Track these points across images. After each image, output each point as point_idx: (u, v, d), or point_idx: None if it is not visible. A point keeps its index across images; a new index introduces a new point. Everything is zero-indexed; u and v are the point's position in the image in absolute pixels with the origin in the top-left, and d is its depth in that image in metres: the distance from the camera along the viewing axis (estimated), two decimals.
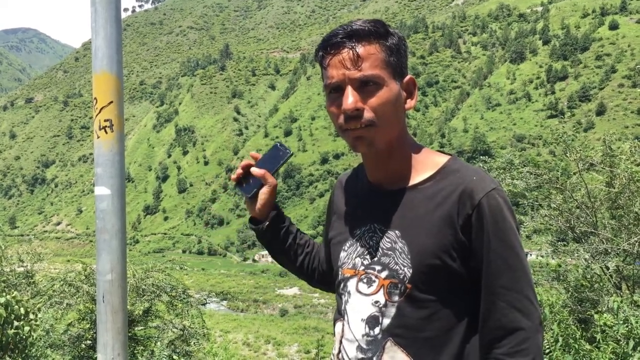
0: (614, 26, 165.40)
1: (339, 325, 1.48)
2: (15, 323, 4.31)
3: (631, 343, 3.30)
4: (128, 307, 7.94)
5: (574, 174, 6.29)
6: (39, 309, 5.32)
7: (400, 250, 1.37)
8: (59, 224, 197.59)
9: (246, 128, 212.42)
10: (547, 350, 3.50)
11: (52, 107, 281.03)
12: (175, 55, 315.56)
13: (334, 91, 1.36)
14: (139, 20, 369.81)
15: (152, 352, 8.42)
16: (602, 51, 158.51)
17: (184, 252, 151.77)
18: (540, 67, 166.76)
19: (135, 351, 8.34)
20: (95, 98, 1.36)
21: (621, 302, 3.67)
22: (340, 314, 1.48)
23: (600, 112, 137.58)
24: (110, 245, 1.35)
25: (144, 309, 8.38)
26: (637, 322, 3.35)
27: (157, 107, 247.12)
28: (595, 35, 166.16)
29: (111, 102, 1.35)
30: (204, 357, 10.01)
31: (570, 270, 5.77)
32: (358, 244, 1.46)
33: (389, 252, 1.38)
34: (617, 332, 3.36)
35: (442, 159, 1.44)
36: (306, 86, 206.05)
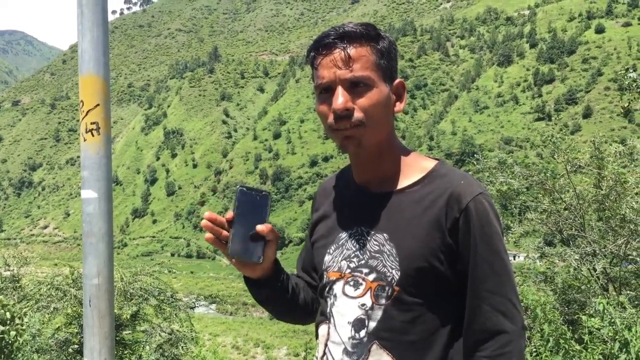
0: (600, 30, 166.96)
1: (323, 327, 1.47)
2: (1, 328, 4.27)
3: (617, 344, 3.32)
4: (115, 311, 7.89)
5: (562, 176, 6.32)
6: (25, 314, 5.27)
7: (388, 252, 1.37)
8: (46, 227, 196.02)
9: (235, 131, 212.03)
10: (536, 351, 3.52)
11: (39, 110, 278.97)
12: (163, 58, 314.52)
13: (325, 91, 1.37)
14: (127, 22, 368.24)
15: (140, 356, 8.37)
16: (588, 54, 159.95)
17: (172, 255, 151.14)
18: (528, 70, 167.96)
19: (123, 355, 8.27)
20: (81, 101, 1.35)
21: (607, 303, 3.70)
22: (325, 317, 1.47)
23: (587, 114, 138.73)
24: (97, 249, 1.34)
25: (132, 312, 8.32)
26: (622, 324, 3.37)
27: (145, 109, 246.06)
28: (581, 38, 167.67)
29: (98, 104, 1.34)
30: None
31: (558, 273, 5.81)
32: (344, 247, 1.45)
33: (377, 255, 1.38)
34: (604, 334, 3.38)
35: (430, 164, 1.44)
36: (295, 89, 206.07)
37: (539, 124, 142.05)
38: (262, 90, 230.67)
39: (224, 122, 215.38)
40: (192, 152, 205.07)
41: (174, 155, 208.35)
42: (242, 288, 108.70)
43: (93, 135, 1.34)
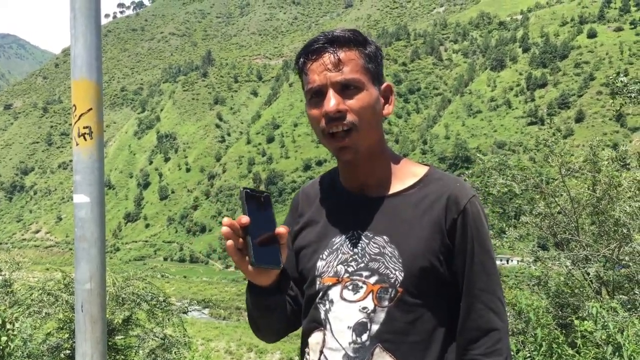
0: (592, 34, 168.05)
1: (316, 335, 1.44)
2: None
3: (609, 348, 3.32)
4: (108, 316, 7.84)
5: (555, 180, 6.34)
6: (16, 319, 5.22)
7: (390, 254, 1.38)
8: (38, 231, 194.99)
9: (228, 135, 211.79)
10: (530, 356, 3.51)
11: (32, 114, 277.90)
12: (156, 62, 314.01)
13: (315, 95, 1.39)
14: (120, 26, 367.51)
15: None
16: (580, 59, 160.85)
17: (165, 259, 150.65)
18: (520, 74, 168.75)
19: None
20: (74, 105, 1.35)
21: (600, 307, 3.70)
22: (318, 324, 1.45)
23: (579, 119, 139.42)
24: (89, 254, 1.33)
25: (124, 317, 8.28)
26: (614, 328, 3.37)
27: (138, 113, 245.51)
28: (574, 43, 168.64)
29: (90, 109, 1.34)
30: None
31: (552, 277, 5.81)
32: (339, 251, 1.44)
33: (378, 257, 1.39)
34: (597, 338, 3.38)
35: (422, 169, 1.48)
36: (288, 93, 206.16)
37: (532, 128, 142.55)
38: (255, 94, 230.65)
39: (218, 126, 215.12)
40: (185, 156, 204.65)
41: (167, 159, 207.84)
42: (234, 292, 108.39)
43: (85, 140, 1.34)
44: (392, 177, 1.47)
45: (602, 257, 5.60)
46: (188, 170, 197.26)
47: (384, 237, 1.40)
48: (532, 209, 6.49)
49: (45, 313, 8.00)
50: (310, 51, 1.39)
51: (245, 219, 1.32)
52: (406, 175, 1.47)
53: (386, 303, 1.36)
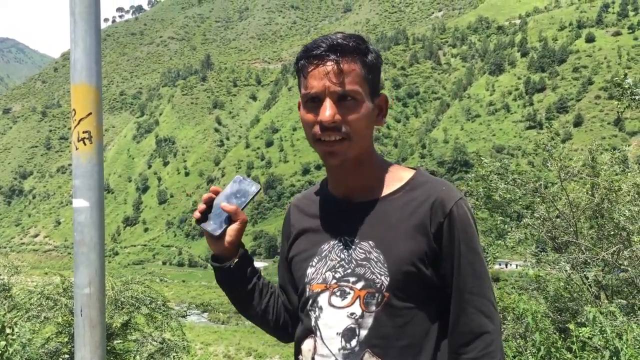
0: (590, 39, 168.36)
1: (308, 342, 1.45)
2: None
3: (607, 353, 3.33)
4: (106, 320, 7.83)
5: (554, 184, 6.35)
6: (15, 323, 5.22)
7: (375, 259, 1.38)
8: (36, 236, 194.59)
9: (227, 139, 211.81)
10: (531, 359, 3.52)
11: (30, 118, 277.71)
12: (155, 66, 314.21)
13: (312, 100, 1.38)
14: (119, 30, 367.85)
15: None
16: (579, 63, 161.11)
17: (164, 263, 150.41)
18: (519, 78, 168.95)
19: None
20: (73, 109, 1.35)
21: (598, 312, 3.70)
22: (309, 331, 1.45)
23: (578, 123, 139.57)
24: (88, 258, 1.33)
25: (123, 322, 8.26)
26: (612, 333, 3.38)
27: (137, 117, 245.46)
28: (572, 47, 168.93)
29: (90, 113, 1.34)
30: None
31: (550, 281, 5.81)
32: (328, 258, 1.45)
33: (364, 263, 1.39)
34: (595, 343, 3.39)
35: (409, 173, 1.48)
36: (287, 97, 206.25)
37: (530, 132, 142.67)
38: (254, 98, 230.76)
39: (216, 130, 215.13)
40: (184, 160, 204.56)
41: (165, 163, 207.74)
42: None
43: (85, 144, 1.33)
44: (380, 182, 1.47)
45: (601, 261, 5.60)
46: (187, 174, 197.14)
47: (370, 242, 1.40)
48: (532, 213, 6.51)
49: (44, 317, 7.99)
50: (312, 56, 1.38)
51: (214, 189, 1.50)
52: (393, 179, 1.47)
53: (373, 308, 1.36)
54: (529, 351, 3.78)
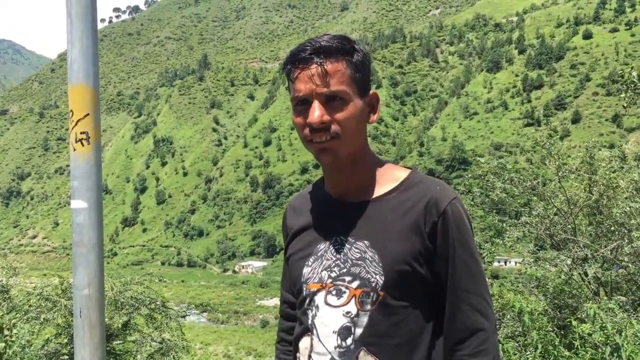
0: (587, 35, 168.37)
1: (305, 340, 1.48)
2: None
3: (608, 349, 3.33)
4: (106, 321, 7.81)
5: (552, 181, 6.35)
6: (14, 325, 5.21)
7: (370, 259, 1.40)
8: (35, 237, 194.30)
9: (225, 138, 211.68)
10: (530, 358, 3.52)
11: (28, 119, 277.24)
12: (153, 66, 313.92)
13: (301, 103, 1.40)
14: (116, 30, 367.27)
15: None
16: (576, 60, 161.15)
17: (163, 264, 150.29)
18: (517, 76, 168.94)
19: None
20: (71, 110, 1.35)
21: (598, 308, 3.71)
22: (306, 329, 1.48)
23: (576, 120, 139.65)
24: (87, 260, 1.33)
25: (123, 322, 8.26)
26: (612, 329, 3.38)
27: (135, 118, 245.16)
28: (569, 44, 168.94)
29: (87, 114, 1.34)
30: None
31: (550, 277, 5.82)
32: (323, 257, 1.47)
33: (359, 262, 1.41)
34: (595, 339, 3.39)
35: (404, 172, 1.50)
36: (285, 96, 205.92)
37: (529, 129, 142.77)
38: (252, 97, 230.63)
39: (214, 130, 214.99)
40: (182, 160, 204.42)
41: (164, 164, 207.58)
42: (232, 296, 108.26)
43: (83, 145, 1.33)
44: (374, 181, 1.49)
45: (600, 257, 5.61)
46: (185, 174, 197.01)
47: (365, 241, 1.42)
48: (530, 211, 6.51)
49: (44, 319, 7.99)
50: (298, 60, 1.40)
51: None
52: (388, 179, 1.49)
53: (368, 307, 1.38)
54: (528, 351, 3.78)
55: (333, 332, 1.41)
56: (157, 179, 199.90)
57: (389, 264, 1.38)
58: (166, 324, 9.07)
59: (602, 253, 5.47)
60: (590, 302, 5.01)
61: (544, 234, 6.37)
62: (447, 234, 1.39)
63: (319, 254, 1.48)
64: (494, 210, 7.45)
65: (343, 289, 1.41)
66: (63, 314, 7.95)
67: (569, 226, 6.13)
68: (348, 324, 1.39)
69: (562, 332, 5.06)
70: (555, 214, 6.35)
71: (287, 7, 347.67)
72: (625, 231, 5.51)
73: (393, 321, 1.38)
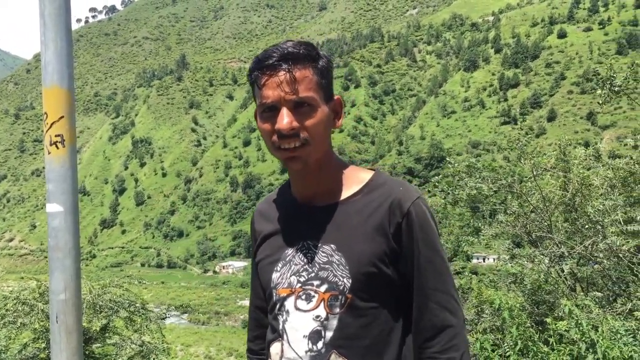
0: (562, 35, 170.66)
1: (276, 345, 1.48)
2: None
3: (584, 345, 3.39)
4: (84, 324, 7.75)
5: (529, 179, 6.43)
6: None
7: (337, 262, 1.41)
8: (11, 240, 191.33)
9: (204, 139, 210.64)
10: (507, 354, 3.57)
11: (3, 121, 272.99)
12: (130, 66, 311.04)
13: (268, 110, 1.39)
14: (93, 31, 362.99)
15: None
16: (551, 59, 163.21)
17: (142, 265, 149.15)
18: (493, 74, 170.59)
19: None
20: (45, 113, 1.33)
21: (574, 305, 3.77)
22: (277, 334, 1.48)
23: (551, 118, 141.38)
24: (63, 264, 1.31)
25: (101, 325, 8.18)
26: (588, 325, 3.44)
27: (112, 118, 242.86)
28: (544, 43, 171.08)
29: (62, 117, 1.32)
30: None
31: (528, 274, 5.89)
32: (292, 262, 1.47)
33: (326, 266, 1.42)
34: (572, 335, 3.45)
35: (368, 174, 1.51)
36: None
37: (505, 127, 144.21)
38: (231, 97, 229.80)
39: (193, 130, 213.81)
40: (161, 161, 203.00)
41: (142, 165, 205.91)
42: (213, 297, 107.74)
43: (58, 148, 1.31)
44: (340, 184, 1.49)
45: (577, 254, 5.70)
46: (164, 175, 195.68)
47: (332, 245, 1.43)
48: (505, 209, 6.59)
49: (21, 323, 7.87)
50: (265, 66, 1.39)
51: None
52: (353, 182, 1.49)
53: (337, 310, 1.39)
54: (506, 344, 3.83)
55: (304, 336, 1.41)
56: (136, 180, 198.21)
57: (356, 267, 1.39)
58: (146, 326, 8.99)
59: (578, 250, 5.55)
60: (567, 298, 5.08)
61: (520, 231, 6.45)
62: (412, 234, 1.40)
63: (287, 259, 1.48)
64: (471, 209, 7.53)
65: (312, 293, 1.42)
66: (40, 318, 7.85)
67: (545, 223, 6.22)
68: (318, 328, 1.40)
69: (540, 328, 5.13)
70: (532, 212, 6.43)
71: (266, 7, 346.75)
72: (600, 228, 5.60)
73: (362, 323, 1.39)
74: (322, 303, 1.40)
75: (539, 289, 5.61)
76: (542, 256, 5.70)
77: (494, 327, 5.28)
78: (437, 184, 7.17)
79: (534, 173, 6.18)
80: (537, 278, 5.56)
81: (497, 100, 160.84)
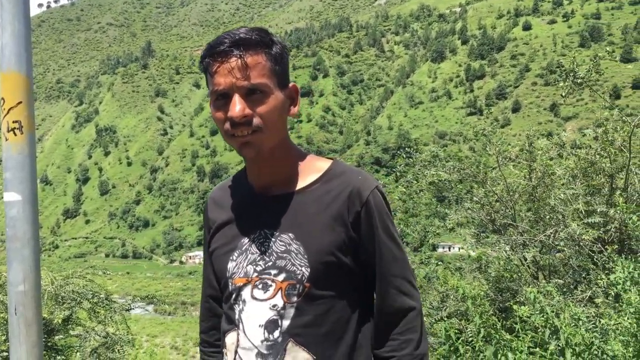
0: (527, 27, 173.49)
1: (232, 335, 1.47)
2: None
3: (547, 331, 3.44)
4: (46, 315, 7.59)
5: (494, 168, 6.51)
6: None
7: (295, 251, 1.39)
8: None
9: (171, 127, 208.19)
10: (469, 341, 3.61)
11: None
12: (94, 53, 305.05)
13: (221, 97, 1.37)
14: (55, 16, 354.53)
15: None
16: (516, 51, 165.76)
17: (107, 256, 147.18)
18: (460, 66, 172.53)
19: None
20: (2, 98, 1.30)
21: (537, 292, 3.83)
22: (234, 324, 1.47)
23: (516, 109, 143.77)
24: (22, 254, 1.28)
25: (64, 317, 8.03)
26: (552, 312, 3.50)
27: (75, 106, 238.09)
28: (510, 35, 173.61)
29: (20, 102, 1.29)
30: None
31: (491, 262, 5.98)
32: (248, 251, 1.45)
33: (284, 255, 1.40)
34: (535, 322, 3.50)
35: (326, 163, 1.49)
36: None
37: (471, 118, 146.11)
38: (198, 86, 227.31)
39: (159, 119, 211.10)
40: (127, 150, 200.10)
41: (107, 153, 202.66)
42: (180, 287, 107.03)
43: (15, 135, 1.29)
44: (297, 173, 1.48)
45: (539, 242, 5.79)
46: (129, 164, 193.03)
47: (290, 234, 1.41)
48: (471, 197, 6.66)
49: None
50: (216, 53, 1.36)
51: None
52: (311, 170, 1.48)
53: (295, 299, 1.38)
54: (469, 330, 3.88)
55: (259, 325, 1.40)
56: (100, 169, 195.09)
57: (314, 256, 1.38)
58: (110, 317, 8.86)
59: (540, 238, 5.65)
60: (530, 285, 5.17)
61: (485, 219, 6.53)
62: (371, 223, 1.40)
63: (244, 248, 1.46)
64: (437, 199, 7.61)
65: (269, 282, 1.40)
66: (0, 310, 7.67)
67: (509, 212, 6.31)
68: (274, 317, 1.39)
69: (503, 316, 5.21)
70: (497, 201, 6.52)
71: None
72: (562, 217, 5.71)
73: (320, 311, 1.39)
74: (280, 292, 1.39)
75: (502, 276, 5.70)
76: (503, 244, 5.78)
77: (458, 312, 5.35)
78: (401, 173, 7.20)
79: (499, 162, 6.26)
80: (500, 265, 5.66)
81: (463, 92, 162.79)
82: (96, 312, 8.63)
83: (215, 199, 1.62)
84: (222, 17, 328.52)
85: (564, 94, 6.00)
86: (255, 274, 1.42)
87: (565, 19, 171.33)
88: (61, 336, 8.23)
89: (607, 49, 6.71)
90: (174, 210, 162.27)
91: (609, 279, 3.85)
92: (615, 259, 4.19)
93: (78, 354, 8.08)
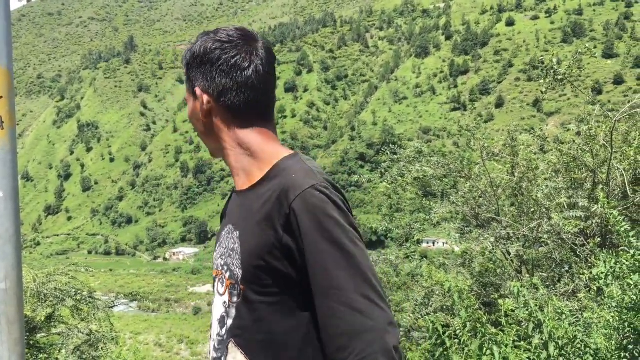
0: (510, 22, 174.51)
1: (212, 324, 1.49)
2: None
3: (531, 325, 3.47)
4: (29, 313, 7.51)
5: (477, 164, 6.54)
6: None
7: (236, 251, 1.35)
8: None
9: (154, 123, 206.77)
10: (455, 336, 3.63)
11: None
12: (75, 48, 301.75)
13: None
14: (35, 10, 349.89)
15: (56, 359, 8.02)
16: (500, 46, 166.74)
17: (89, 253, 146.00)
18: (444, 61, 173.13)
19: (38, 359, 7.90)
20: None
21: (521, 286, 3.85)
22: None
23: (499, 104, 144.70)
24: (3, 252, 1.26)
25: (47, 315, 7.95)
26: (536, 305, 3.53)
27: (57, 101, 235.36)
28: (493, 31, 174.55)
29: (1, 97, 1.26)
30: None
31: (475, 257, 6.02)
32: (221, 245, 1.45)
33: (231, 253, 1.38)
34: (519, 315, 3.53)
35: (276, 159, 1.39)
36: None
37: (455, 113, 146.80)
38: (181, 81, 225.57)
39: (142, 115, 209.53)
40: (109, 146, 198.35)
41: (89, 149, 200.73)
42: (163, 284, 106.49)
43: None
44: (255, 169, 1.40)
45: (522, 236, 5.83)
46: (112, 160, 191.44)
47: (238, 232, 1.37)
48: (456, 191, 6.70)
49: None
50: None
51: None
52: (266, 166, 1.39)
53: (235, 299, 1.34)
54: (456, 323, 3.90)
55: (217, 319, 1.40)
56: (82, 166, 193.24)
57: (246, 258, 1.32)
58: (93, 315, 8.79)
59: (524, 232, 5.69)
60: (514, 280, 5.21)
61: (469, 214, 6.57)
62: (301, 227, 1.24)
63: (220, 241, 1.46)
64: (423, 195, 7.63)
65: (224, 278, 1.40)
66: None
67: (493, 207, 6.35)
68: (224, 314, 1.38)
69: (488, 310, 5.25)
70: (480, 196, 6.55)
71: None
72: (545, 210, 5.76)
73: (255, 317, 1.31)
74: (228, 290, 1.37)
75: (486, 271, 5.73)
76: (487, 236, 5.81)
77: (444, 307, 5.38)
78: (386, 170, 7.21)
79: (483, 157, 6.30)
80: (484, 257, 5.69)
81: (447, 87, 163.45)
82: (79, 309, 8.56)
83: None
84: (206, 11, 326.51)
85: (543, 91, 6.04)
86: (220, 268, 1.42)
87: (547, 14, 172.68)
88: (44, 334, 8.15)
89: (587, 45, 6.76)
90: (157, 207, 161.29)
91: (591, 273, 3.89)
92: (597, 252, 4.23)
93: (62, 351, 8.00)
